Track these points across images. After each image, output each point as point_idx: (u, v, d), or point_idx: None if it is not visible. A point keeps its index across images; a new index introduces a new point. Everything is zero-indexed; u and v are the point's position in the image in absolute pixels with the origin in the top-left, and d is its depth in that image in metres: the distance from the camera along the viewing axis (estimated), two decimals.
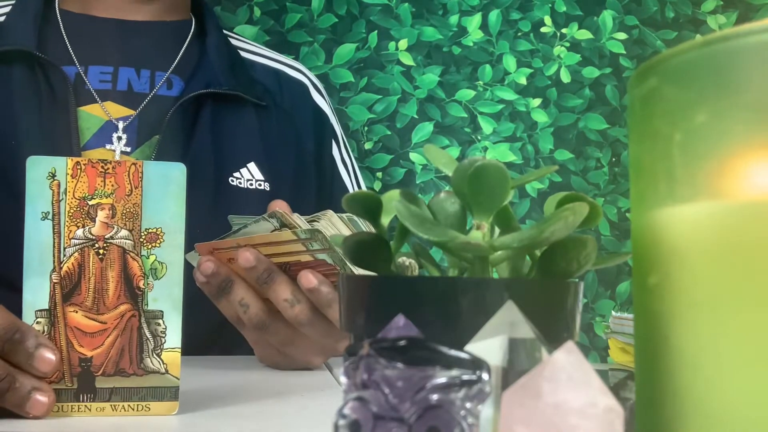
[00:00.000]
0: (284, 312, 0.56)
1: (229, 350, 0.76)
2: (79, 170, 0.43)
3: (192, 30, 0.89)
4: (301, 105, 0.93)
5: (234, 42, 0.92)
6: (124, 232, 0.43)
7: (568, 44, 1.64)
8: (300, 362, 0.62)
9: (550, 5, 1.63)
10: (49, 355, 0.41)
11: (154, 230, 0.43)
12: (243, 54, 0.92)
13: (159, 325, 0.43)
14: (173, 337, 0.43)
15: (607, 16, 1.65)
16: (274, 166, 0.85)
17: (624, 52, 1.65)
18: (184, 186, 0.44)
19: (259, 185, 0.83)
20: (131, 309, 0.43)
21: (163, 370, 0.43)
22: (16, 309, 0.43)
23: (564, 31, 1.64)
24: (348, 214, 0.56)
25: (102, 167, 0.43)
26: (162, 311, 0.43)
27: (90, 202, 0.43)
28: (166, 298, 0.43)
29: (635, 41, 1.66)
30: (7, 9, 0.83)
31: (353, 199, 0.30)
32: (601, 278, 1.60)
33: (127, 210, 0.43)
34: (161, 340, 0.43)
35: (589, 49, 1.64)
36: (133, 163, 0.44)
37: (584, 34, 1.64)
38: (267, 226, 0.56)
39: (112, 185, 0.43)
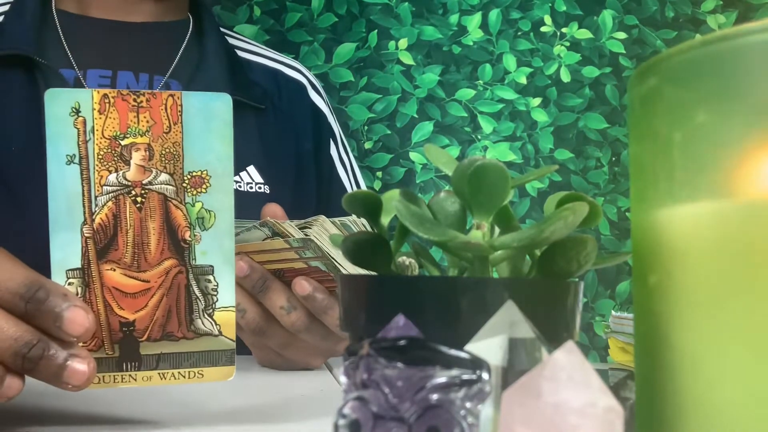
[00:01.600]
0: (280, 319, 0.56)
1: None
2: (107, 104, 0.37)
3: (190, 30, 0.88)
4: (299, 105, 0.92)
5: (231, 41, 0.92)
6: (164, 176, 0.38)
7: (568, 43, 1.64)
8: (298, 364, 0.62)
9: (550, 4, 1.63)
10: (81, 315, 0.35)
11: (199, 173, 0.38)
12: (240, 53, 0.91)
13: (209, 282, 0.38)
14: (226, 294, 0.38)
15: (607, 16, 1.65)
16: (273, 169, 0.85)
17: (624, 51, 1.65)
18: (231, 121, 0.39)
19: (259, 188, 0.83)
20: (177, 265, 0.38)
21: (217, 332, 0.38)
22: None
23: (564, 30, 1.64)
24: (341, 219, 0.56)
25: (134, 100, 0.37)
26: (212, 266, 0.38)
27: (122, 142, 0.37)
28: (216, 252, 0.38)
29: (635, 41, 1.66)
30: (5, 8, 0.82)
31: (353, 198, 0.30)
32: (601, 278, 1.60)
33: (167, 150, 0.37)
34: (212, 299, 0.38)
35: (589, 48, 1.64)
36: (171, 95, 0.38)
37: (584, 34, 1.64)
38: (259, 234, 0.55)
39: (147, 121, 0.37)
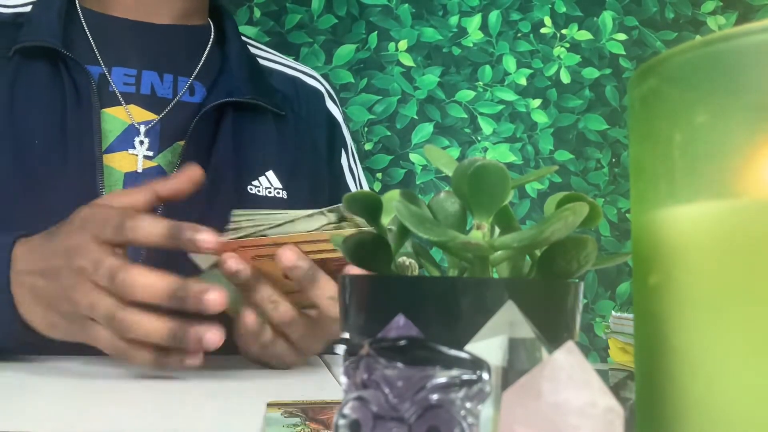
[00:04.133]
0: (327, 310, 0.56)
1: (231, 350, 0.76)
2: None
3: (212, 36, 0.89)
4: (316, 112, 0.93)
5: (253, 50, 0.93)
6: None
7: (568, 45, 1.64)
8: (290, 360, 0.63)
9: (549, 6, 1.63)
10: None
11: None
12: (261, 62, 0.92)
13: None
14: None
15: (607, 17, 1.65)
16: (291, 174, 0.86)
17: (624, 52, 1.65)
18: None
19: (278, 193, 0.84)
20: None
21: None
22: None
23: (564, 31, 1.64)
24: None
25: None
26: None
27: None
28: None
29: (635, 42, 1.66)
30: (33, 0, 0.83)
31: (353, 198, 0.30)
32: (601, 279, 1.60)
33: None
34: None
35: (588, 49, 1.64)
36: None
37: (584, 35, 1.64)
38: (318, 222, 0.55)
39: None
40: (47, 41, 0.76)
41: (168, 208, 0.73)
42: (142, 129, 0.78)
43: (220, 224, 0.75)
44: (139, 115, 0.79)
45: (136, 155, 0.77)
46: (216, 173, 0.78)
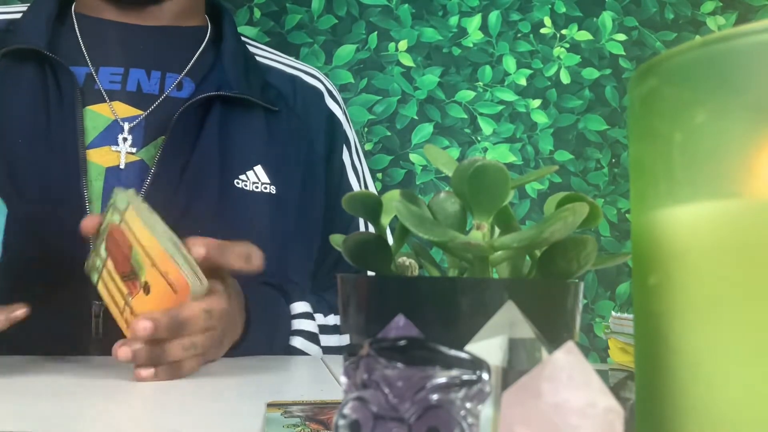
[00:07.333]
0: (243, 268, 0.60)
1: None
2: None
3: (208, 36, 0.89)
4: (314, 110, 0.93)
5: (252, 49, 0.93)
6: None
7: (567, 45, 1.64)
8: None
9: (549, 6, 1.63)
10: None
11: None
12: (260, 60, 0.92)
13: None
14: None
15: (607, 18, 1.65)
16: (281, 170, 0.85)
17: (623, 53, 1.65)
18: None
19: (265, 188, 0.83)
20: None
21: None
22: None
23: (564, 32, 1.64)
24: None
25: None
26: None
27: None
28: None
29: (635, 42, 1.66)
30: (25, 8, 0.84)
31: (353, 198, 0.30)
32: (601, 279, 1.60)
33: None
34: None
35: (588, 50, 1.64)
36: None
37: (584, 35, 1.64)
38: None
39: None
40: (32, 44, 0.78)
41: (150, 203, 0.73)
42: (126, 126, 0.78)
43: (201, 218, 0.76)
44: (123, 111, 0.80)
45: (119, 152, 0.78)
46: (199, 166, 0.78)
